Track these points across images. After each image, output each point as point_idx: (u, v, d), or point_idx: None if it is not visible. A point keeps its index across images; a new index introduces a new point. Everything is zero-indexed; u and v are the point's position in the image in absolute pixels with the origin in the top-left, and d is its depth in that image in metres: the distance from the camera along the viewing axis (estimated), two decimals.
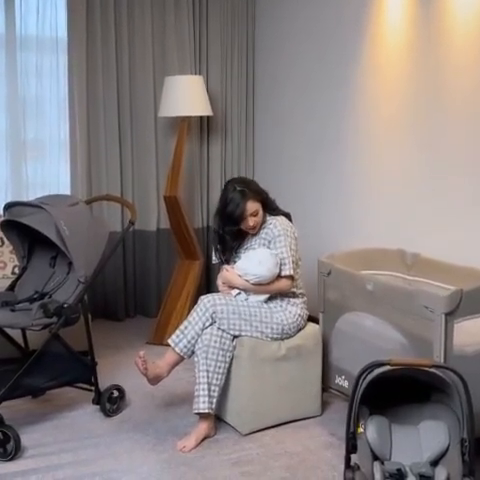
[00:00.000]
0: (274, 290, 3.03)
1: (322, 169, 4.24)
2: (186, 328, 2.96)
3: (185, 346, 2.94)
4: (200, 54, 4.67)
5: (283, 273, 3.00)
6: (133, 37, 4.48)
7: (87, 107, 4.39)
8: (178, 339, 2.96)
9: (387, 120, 3.70)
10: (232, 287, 3.06)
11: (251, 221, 3.02)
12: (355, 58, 3.88)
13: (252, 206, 3.00)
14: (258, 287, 3.01)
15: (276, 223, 3.04)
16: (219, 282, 3.13)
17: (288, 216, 3.15)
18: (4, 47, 4.23)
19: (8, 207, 3.04)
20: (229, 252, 3.12)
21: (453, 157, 3.29)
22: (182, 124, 4.28)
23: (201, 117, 4.67)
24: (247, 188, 3.02)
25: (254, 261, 2.99)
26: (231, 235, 3.07)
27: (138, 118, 4.57)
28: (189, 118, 4.34)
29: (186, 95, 4.20)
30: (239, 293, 3.05)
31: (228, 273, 3.07)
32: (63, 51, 4.33)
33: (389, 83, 3.66)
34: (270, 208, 3.10)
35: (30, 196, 4.36)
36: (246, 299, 3.04)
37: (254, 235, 3.10)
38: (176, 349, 2.95)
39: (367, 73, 3.81)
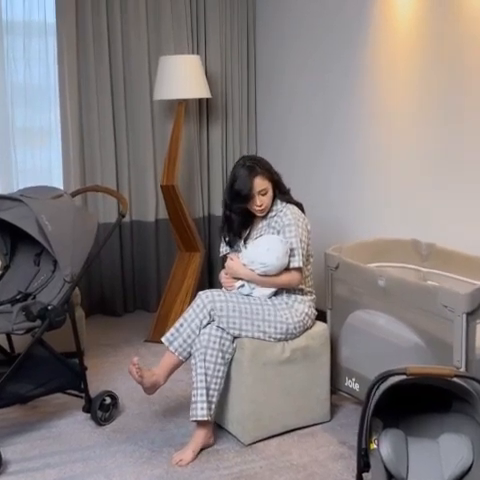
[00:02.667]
0: (281, 283, 2.79)
1: (329, 153, 4.00)
2: (182, 326, 2.73)
3: (180, 345, 2.71)
4: (198, 32, 4.40)
5: (292, 265, 2.76)
6: (126, 15, 4.23)
7: (78, 92, 4.18)
8: (173, 337, 2.73)
9: (400, 102, 3.45)
10: (236, 278, 2.83)
11: (259, 200, 2.80)
12: (361, 36, 3.62)
13: (261, 183, 2.79)
14: (264, 278, 2.77)
15: (287, 212, 2.82)
16: (222, 274, 2.92)
17: (300, 206, 2.92)
18: None
19: None
20: (235, 234, 2.90)
21: (470, 143, 3.05)
22: (179, 107, 4.03)
23: (199, 100, 4.42)
24: (257, 165, 2.82)
25: (262, 248, 2.76)
26: (238, 214, 2.86)
27: (133, 102, 4.34)
28: (186, 101, 4.09)
29: (183, 76, 3.95)
30: (242, 285, 2.82)
31: (233, 262, 2.84)
32: (52, 34, 4.11)
33: (401, 61, 3.40)
34: (281, 192, 2.88)
35: (20, 185, 4.15)
36: (250, 293, 2.80)
37: (263, 223, 2.88)
38: (170, 348, 2.73)
39: (376, 51, 3.55)
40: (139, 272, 4.53)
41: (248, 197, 2.79)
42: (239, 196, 2.80)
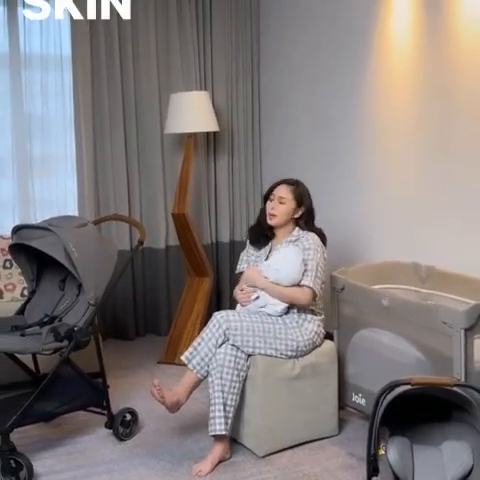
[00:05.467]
0: (292, 296, 2.96)
1: (332, 183, 4.19)
2: (199, 344, 2.91)
3: (198, 363, 2.89)
4: (205, 70, 4.64)
5: (303, 282, 2.96)
6: (137, 54, 4.47)
7: (93, 125, 4.38)
8: (191, 356, 2.91)
9: (399, 134, 3.66)
10: (252, 288, 3.03)
11: (273, 204, 3.05)
12: (362, 68, 3.85)
13: (283, 191, 3.06)
14: (277, 288, 2.96)
15: (308, 237, 3.04)
16: (237, 291, 3.10)
17: (323, 237, 3.11)
18: (8, 66, 4.24)
19: (16, 230, 3.01)
20: (260, 235, 3.13)
21: (468, 167, 3.24)
22: (188, 140, 4.25)
23: (207, 133, 4.64)
24: (295, 181, 3.12)
25: (278, 255, 3.00)
26: (262, 213, 3.12)
27: (144, 135, 4.55)
28: (195, 134, 4.31)
29: (192, 111, 4.17)
30: (257, 297, 3.01)
31: (250, 271, 3.07)
32: (68, 69, 4.33)
33: (399, 95, 3.62)
34: (307, 220, 3.09)
35: (37, 215, 4.36)
36: (264, 306, 2.98)
37: (283, 245, 3.07)
38: (189, 366, 2.90)
39: (376, 82, 3.77)
40: (150, 297, 4.70)
41: (267, 195, 3.08)
42: (266, 192, 3.12)
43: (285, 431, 2.95)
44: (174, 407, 2.90)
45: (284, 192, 3.05)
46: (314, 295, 2.98)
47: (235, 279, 3.28)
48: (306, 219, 3.09)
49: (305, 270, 2.96)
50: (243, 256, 3.23)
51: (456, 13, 3.18)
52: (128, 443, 3.05)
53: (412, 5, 3.44)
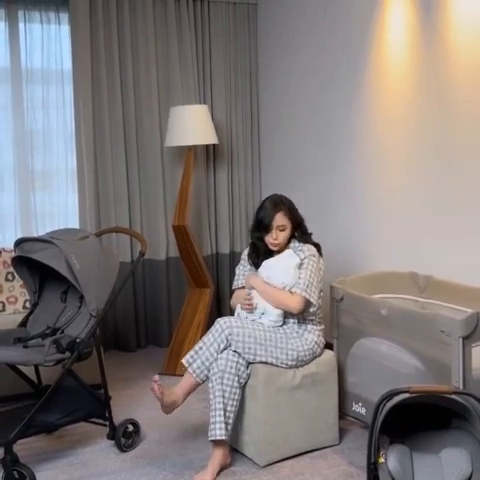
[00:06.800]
0: (280, 299, 2.98)
1: (331, 195, 4.24)
2: (201, 349, 2.93)
3: (198, 367, 2.91)
4: (204, 83, 4.71)
5: (294, 289, 2.98)
6: (137, 68, 4.53)
7: (94, 138, 4.43)
8: (192, 359, 2.93)
9: (396, 148, 3.70)
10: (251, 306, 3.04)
11: (275, 234, 3.03)
12: (360, 82, 3.90)
13: (281, 220, 3.03)
14: (268, 289, 2.99)
15: (304, 249, 3.06)
16: (239, 299, 3.10)
17: (318, 247, 3.13)
18: (10, 80, 4.31)
19: (19, 243, 3.05)
20: (261, 259, 3.11)
21: (464, 178, 3.27)
22: (188, 153, 4.29)
23: (207, 145, 4.69)
24: (283, 203, 3.07)
25: (272, 259, 3.05)
26: (261, 242, 3.09)
27: (144, 148, 4.60)
28: (195, 147, 4.35)
29: (191, 124, 4.22)
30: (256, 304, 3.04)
31: (249, 274, 3.12)
32: (68, 83, 4.40)
33: (396, 105, 3.67)
34: (302, 233, 3.11)
35: (39, 227, 4.42)
36: (263, 313, 3.01)
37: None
38: (189, 369, 2.92)
39: (374, 96, 3.82)
40: (151, 308, 4.73)
41: (266, 228, 3.03)
42: (259, 225, 3.06)
43: (286, 440, 2.97)
44: (169, 407, 2.91)
45: (281, 220, 3.03)
46: (305, 303, 2.98)
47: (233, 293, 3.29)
48: (300, 231, 3.11)
49: (298, 278, 2.99)
50: (240, 272, 3.22)
51: (452, 27, 3.23)
52: (130, 454, 3.07)
53: (408, 20, 3.49)
